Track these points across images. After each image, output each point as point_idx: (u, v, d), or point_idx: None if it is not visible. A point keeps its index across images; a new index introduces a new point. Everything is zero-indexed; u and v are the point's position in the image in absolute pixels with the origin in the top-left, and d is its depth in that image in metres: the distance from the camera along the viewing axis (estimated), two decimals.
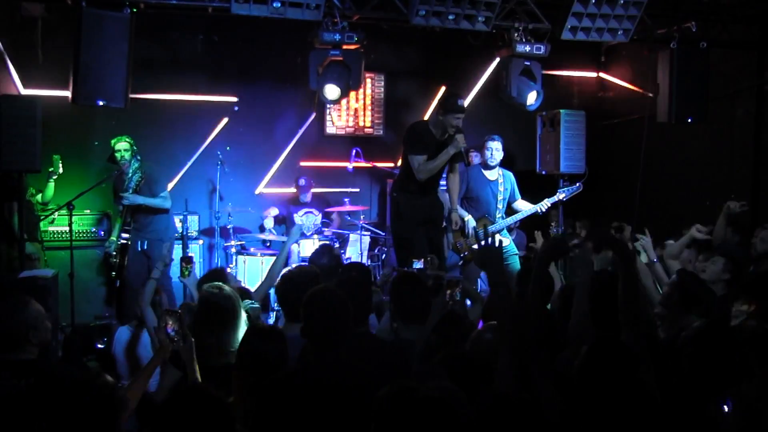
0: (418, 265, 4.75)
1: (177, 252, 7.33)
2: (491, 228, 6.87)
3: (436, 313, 3.87)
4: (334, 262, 4.91)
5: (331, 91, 6.36)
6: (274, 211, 8.16)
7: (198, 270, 7.62)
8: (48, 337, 3.55)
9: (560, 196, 6.97)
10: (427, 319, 3.86)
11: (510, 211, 7.14)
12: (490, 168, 7.01)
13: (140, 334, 4.74)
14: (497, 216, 6.96)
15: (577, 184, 7.02)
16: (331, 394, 2.78)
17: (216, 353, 3.41)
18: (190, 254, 7.34)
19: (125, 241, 6.81)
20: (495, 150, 6.95)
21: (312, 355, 2.97)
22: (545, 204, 6.92)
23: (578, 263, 3.38)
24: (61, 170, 6.95)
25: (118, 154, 6.76)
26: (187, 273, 4.59)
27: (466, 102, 9.16)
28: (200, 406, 2.25)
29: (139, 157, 6.83)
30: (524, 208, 7.05)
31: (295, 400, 2.78)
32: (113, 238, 6.99)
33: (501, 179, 7.04)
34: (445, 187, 6.72)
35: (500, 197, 7.00)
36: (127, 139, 6.79)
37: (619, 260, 3.05)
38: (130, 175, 6.74)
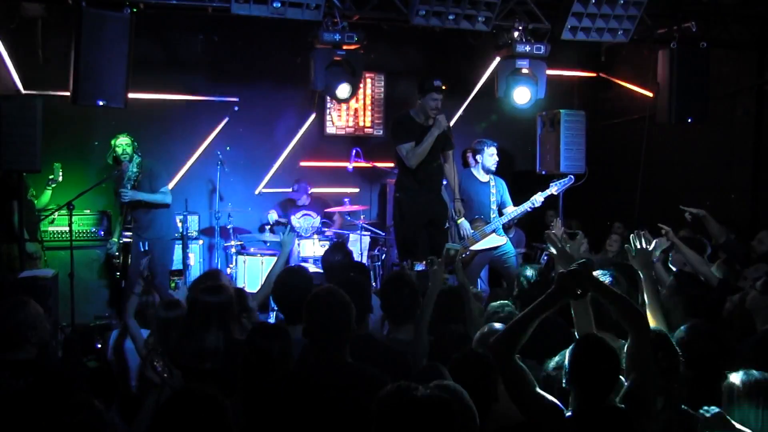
0: (420, 267, 4.75)
1: (177, 252, 7.35)
2: (487, 228, 6.85)
3: (435, 287, 3.87)
4: (346, 259, 4.93)
5: (343, 90, 6.41)
6: (274, 214, 8.17)
7: (197, 270, 7.63)
8: (47, 337, 3.57)
9: (553, 189, 6.95)
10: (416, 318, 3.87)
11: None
12: (486, 172, 7.00)
13: (123, 343, 4.58)
14: (491, 216, 6.95)
15: (569, 177, 6.98)
16: (332, 396, 2.78)
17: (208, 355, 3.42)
18: (189, 262, 7.39)
19: (128, 239, 6.82)
20: (490, 156, 6.94)
21: (313, 357, 2.97)
22: (538, 198, 6.88)
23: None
24: (60, 178, 6.97)
25: (119, 149, 6.75)
26: (173, 285, 4.57)
27: (466, 102, 9.21)
28: (196, 406, 2.25)
29: (140, 153, 6.84)
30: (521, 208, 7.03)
31: (296, 402, 2.79)
32: (114, 239, 6.99)
33: (493, 182, 7.03)
34: (446, 182, 6.69)
35: (493, 198, 6.99)
36: (127, 136, 6.79)
37: (597, 293, 3.00)
38: (131, 170, 6.75)
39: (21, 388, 3.11)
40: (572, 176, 7.00)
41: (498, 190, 7.06)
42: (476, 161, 7.04)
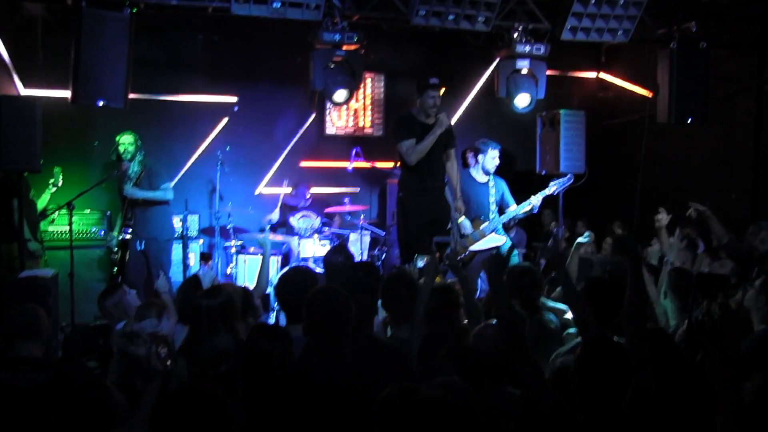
0: (422, 264, 4.75)
1: (177, 253, 7.35)
2: (486, 228, 6.84)
3: (429, 279, 3.86)
4: (348, 261, 4.93)
5: (340, 95, 6.46)
6: (275, 216, 8.14)
7: (196, 270, 7.63)
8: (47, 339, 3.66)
9: (551, 189, 6.93)
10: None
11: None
12: (485, 174, 6.99)
13: None
14: (490, 216, 6.94)
15: (568, 176, 6.96)
16: (335, 396, 2.78)
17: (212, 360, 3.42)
18: (189, 262, 7.44)
19: (128, 236, 6.82)
20: (492, 158, 6.93)
21: (315, 356, 2.96)
22: (538, 198, 6.86)
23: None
24: (60, 183, 6.97)
25: (121, 147, 6.76)
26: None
27: (466, 102, 9.21)
28: (197, 403, 2.26)
29: (143, 152, 6.84)
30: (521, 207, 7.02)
31: (297, 400, 2.79)
32: (114, 233, 6.99)
33: (492, 182, 7.02)
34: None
35: (492, 199, 6.98)
36: (131, 134, 6.81)
37: (629, 269, 3.06)
38: (132, 168, 6.76)
39: (44, 382, 3.24)
40: (572, 175, 6.99)
41: (498, 189, 7.04)
42: (476, 161, 7.01)
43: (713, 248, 6.32)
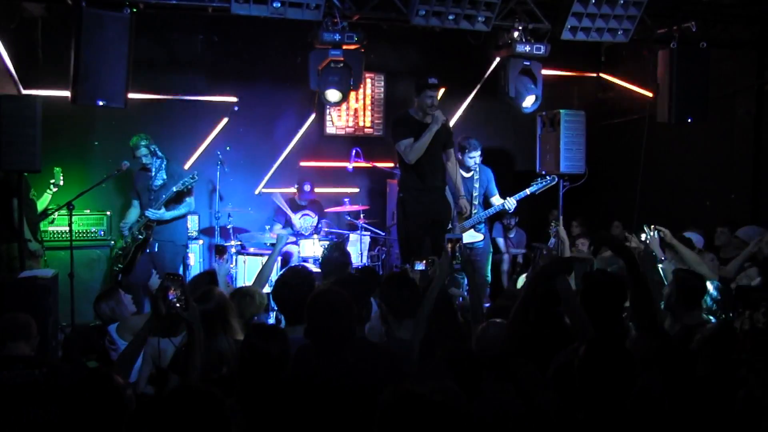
0: (420, 266, 4.74)
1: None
2: (466, 223, 6.87)
3: (441, 275, 3.84)
4: (343, 258, 4.94)
5: (333, 95, 6.44)
6: (279, 228, 8.10)
7: (198, 270, 7.62)
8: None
9: (530, 190, 6.95)
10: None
11: (488, 206, 7.15)
12: (466, 171, 7.01)
13: None
14: (473, 212, 6.96)
15: (549, 178, 6.98)
16: (335, 398, 2.78)
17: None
18: (189, 262, 7.43)
19: (144, 236, 6.71)
20: (471, 158, 6.95)
21: (316, 358, 2.96)
22: (512, 201, 6.89)
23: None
24: (61, 182, 6.95)
25: (145, 159, 6.68)
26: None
27: (466, 102, 9.21)
28: (196, 404, 2.26)
29: (160, 154, 6.75)
30: (498, 204, 7.06)
31: (299, 402, 2.79)
32: (126, 220, 6.85)
33: (476, 175, 7.05)
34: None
35: (475, 193, 7.02)
36: (143, 142, 6.67)
37: (626, 265, 3.06)
38: (153, 173, 6.68)
39: (38, 378, 3.34)
40: (554, 177, 6.98)
41: (482, 182, 7.08)
42: (460, 157, 7.06)
43: (716, 247, 6.32)
